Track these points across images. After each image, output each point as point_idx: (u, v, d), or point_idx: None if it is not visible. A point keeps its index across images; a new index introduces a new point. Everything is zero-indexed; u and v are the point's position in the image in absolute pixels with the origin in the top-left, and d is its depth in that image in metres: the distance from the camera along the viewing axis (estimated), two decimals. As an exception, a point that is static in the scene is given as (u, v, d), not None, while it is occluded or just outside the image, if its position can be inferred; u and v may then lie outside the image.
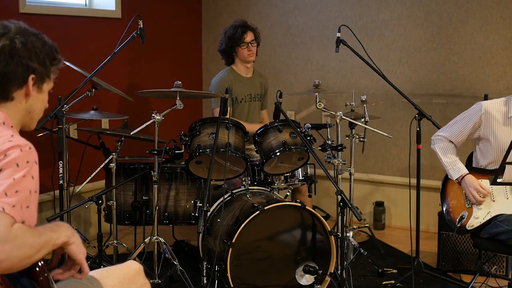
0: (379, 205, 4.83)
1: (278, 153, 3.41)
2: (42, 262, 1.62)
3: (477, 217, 3.12)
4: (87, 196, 3.40)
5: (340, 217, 3.03)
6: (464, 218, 3.15)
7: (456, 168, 3.22)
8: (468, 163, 3.43)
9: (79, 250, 1.71)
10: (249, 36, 4.14)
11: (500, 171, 2.88)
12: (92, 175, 3.57)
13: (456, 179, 3.21)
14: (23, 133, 1.77)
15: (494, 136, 3.18)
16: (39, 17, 4.11)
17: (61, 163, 3.21)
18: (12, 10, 3.93)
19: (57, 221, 1.75)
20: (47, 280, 1.63)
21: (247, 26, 4.16)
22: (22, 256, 1.52)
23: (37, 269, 1.60)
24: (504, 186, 3.10)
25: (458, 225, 3.15)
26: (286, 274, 3.23)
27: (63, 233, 1.67)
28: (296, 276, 3.21)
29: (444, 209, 3.26)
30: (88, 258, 3.66)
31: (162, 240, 3.43)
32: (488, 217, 3.09)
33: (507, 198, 3.12)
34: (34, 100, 1.79)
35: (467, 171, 3.20)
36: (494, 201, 3.13)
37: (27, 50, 1.72)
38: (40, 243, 1.57)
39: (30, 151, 1.61)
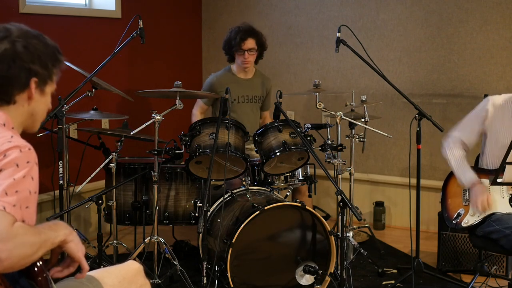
0: (379, 205, 4.83)
1: (278, 153, 3.41)
2: (41, 262, 1.62)
3: (473, 215, 3.15)
4: (87, 196, 3.40)
5: (340, 217, 3.03)
6: (461, 215, 3.19)
7: (468, 177, 3.19)
8: (476, 165, 3.43)
9: (77, 248, 1.71)
10: (248, 44, 4.02)
11: (500, 171, 2.88)
12: (92, 175, 3.57)
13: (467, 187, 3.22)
14: (23, 133, 1.77)
15: (497, 133, 3.18)
16: (39, 17, 4.11)
17: (61, 163, 3.21)
18: (12, 10, 3.93)
19: (55, 220, 1.75)
20: (45, 280, 1.62)
21: (249, 33, 4.04)
22: (23, 255, 1.52)
23: (36, 269, 1.60)
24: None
25: (454, 222, 3.17)
26: (286, 274, 3.23)
27: (61, 232, 1.67)
28: (296, 276, 3.21)
29: (442, 206, 3.29)
30: (88, 258, 3.66)
31: (162, 240, 3.43)
32: (483, 215, 3.10)
33: (503, 197, 3.13)
34: (37, 103, 1.77)
35: (478, 179, 3.17)
36: (490, 199, 3.15)
37: (29, 54, 1.71)
38: (40, 242, 1.57)
39: (30, 152, 1.61)
